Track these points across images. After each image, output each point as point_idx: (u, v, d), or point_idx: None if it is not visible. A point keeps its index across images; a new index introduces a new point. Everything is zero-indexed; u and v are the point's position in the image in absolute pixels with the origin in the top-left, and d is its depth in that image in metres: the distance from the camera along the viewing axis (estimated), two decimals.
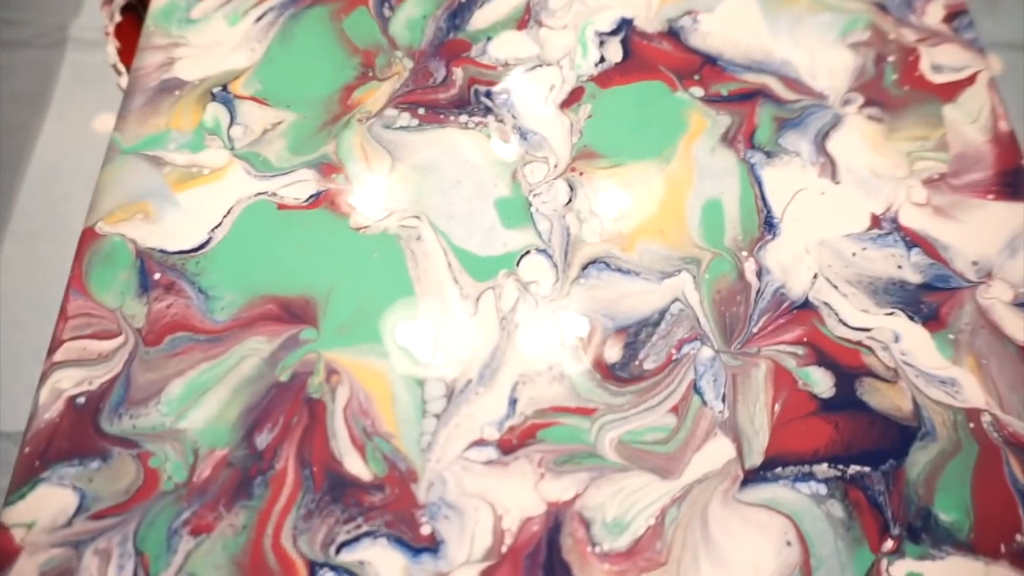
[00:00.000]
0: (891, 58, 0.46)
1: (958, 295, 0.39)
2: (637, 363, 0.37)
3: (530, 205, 0.41)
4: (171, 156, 0.42)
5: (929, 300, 0.39)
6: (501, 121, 0.44)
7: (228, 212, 0.41)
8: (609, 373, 0.37)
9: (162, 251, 0.40)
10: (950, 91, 0.45)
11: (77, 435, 0.35)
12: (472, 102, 0.44)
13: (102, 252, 0.40)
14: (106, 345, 0.37)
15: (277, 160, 0.42)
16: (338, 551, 0.34)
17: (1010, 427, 0.36)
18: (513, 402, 0.37)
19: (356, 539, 0.34)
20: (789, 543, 0.34)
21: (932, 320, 0.39)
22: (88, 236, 0.40)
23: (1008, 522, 0.34)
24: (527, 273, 0.39)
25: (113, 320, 0.38)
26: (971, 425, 0.36)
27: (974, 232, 0.41)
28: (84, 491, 0.34)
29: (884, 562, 0.34)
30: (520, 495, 0.35)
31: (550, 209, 0.41)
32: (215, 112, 0.44)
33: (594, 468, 0.35)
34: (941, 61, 0.46)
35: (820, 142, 0.43)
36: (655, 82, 0.45)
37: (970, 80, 0.45)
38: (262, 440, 0.36)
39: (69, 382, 0.36)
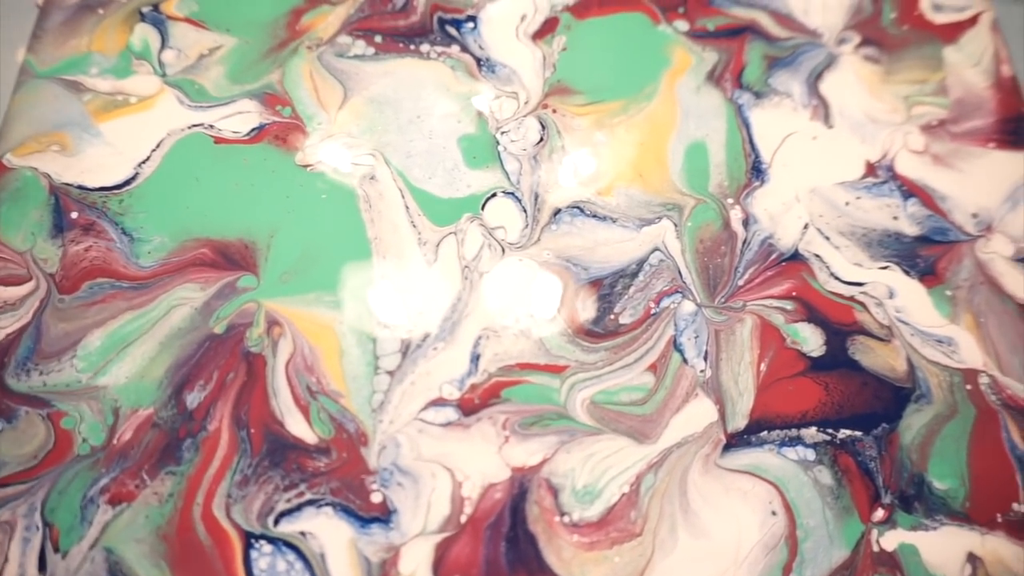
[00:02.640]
0: None
1: (956, 249, 0.36)
2: (612, 317, 0.34)
3: (497, 144, 0.37)
4: (93, 82, 0.37)
5: (926, 254, 0.36)
6: (466, 52, 0.39)
7: (158, 145, 0.36)
8: (581, 328, 0.34)
9: (80, 187, 0.35)
10: (951, 32, 0.42)
11: None
12: (435, 30, 0.40)
13: (10, 187, 0.35)
14: (13, 292, 0.33)
15: (215, 89, 0.38)
16: (277, 521, 0.30)
17: (1009, 389, 0.34)
18: (475, 358, 0.33)
19: (298, 508, 0.30)
20: (774, 512, 0.31)
21: (929, 275, 0.36)
22: None
23: (1005, 490, 0.32)
24: (493, 218, 0.36)
25: (22, 263, 0.33)
26: (968, 387, 0.34)
27: (974, 182, 0.38)
28: None
29: (875, 532, 0.31)
30: (482, 460, 0.31)
31: (519, 148, 0.37)
32: (144, 34, 0.39)
33: (564, 431, 0.32)
34: (942, 0, 0.42)
35: (813, 83, 0.40)
36: (636, 14, 0.41)
37: (972, 21, 0.42)
38: (193, 399, 0.32)
39: None
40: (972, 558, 0.31)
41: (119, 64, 0.38)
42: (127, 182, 0.36)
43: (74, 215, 0.35)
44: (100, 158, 0.36)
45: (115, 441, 0.31)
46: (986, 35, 0.42)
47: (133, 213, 0.35)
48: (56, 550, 0.29)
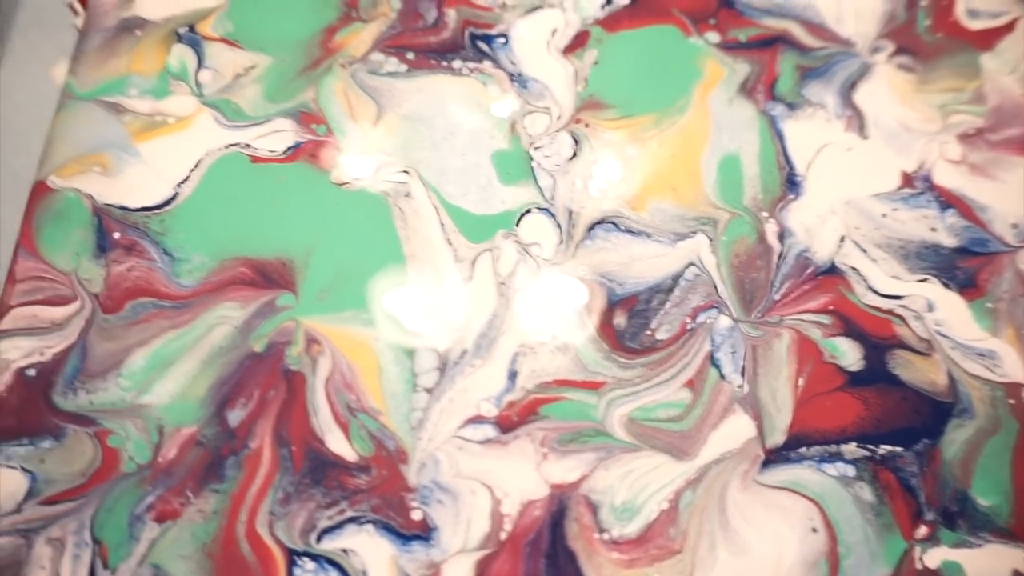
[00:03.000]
0: (924, 2, 0.42)
1: (996, 260, 0.36)
2: (649, 333, 0.34)
3: (531, 159, 0.38)
4: (132, 103, 0.38)
5: (965, 265, 0.36)
6: (498, 67, 0.40)
7: (196, 165, 0.37)
8: (618, 344, 0.34)
9: (122, 208, 0.36)
10: (987, 39, 0.41)
11: (27, 411, 0.32)
12: (466, 46, 0.40)
13: (55, 208, 0.36)
14: (59, 312, 0.34)
15: (251, 108, 0.38)
16: (319, 538, 0.31)
17: None
18: (513, 375, 0.33)
19: (339, 525, 0.31)
20: (814, 529, 0.31)
21: (968, 287, 0.35)
22: (39, 191, 0.36)
23: None
24: (528, 234, 0.36)
25: (67, 284, 0.34)
26: (1011, 401, 0.33)
27: (1013, 192, 0.37)
28: (35, 473, 0.31)
29: (917, 550, 0.31)
30: (521, 477, 0.32)
31: (553, 164, 0.37)
32: (181, 55, 0.39)
33: (602, 447, 0.32)
34: (978, 6, 0.42)
35: (847, 93, 0.39)
36: (667, 26, 0.41)
37: (1009, 27, 0.41)
38: (235, 416, 0.32)
39: (18, 352, 0.33)
40: None
41: (157, 85, 0.39)
42: (167, 202, 0.36)
43: (116, 235, 0.35)
44: (140, 178, 0.37)
45: (160, 459, 0.31)
46: (1023, 41, 0.41)
47: (173, 233, 0.35)
48: (105, 567, 0.30)
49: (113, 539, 0.30)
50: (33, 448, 0.31)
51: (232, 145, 0.37)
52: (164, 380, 0.33)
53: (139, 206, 0.36)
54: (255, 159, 0.37)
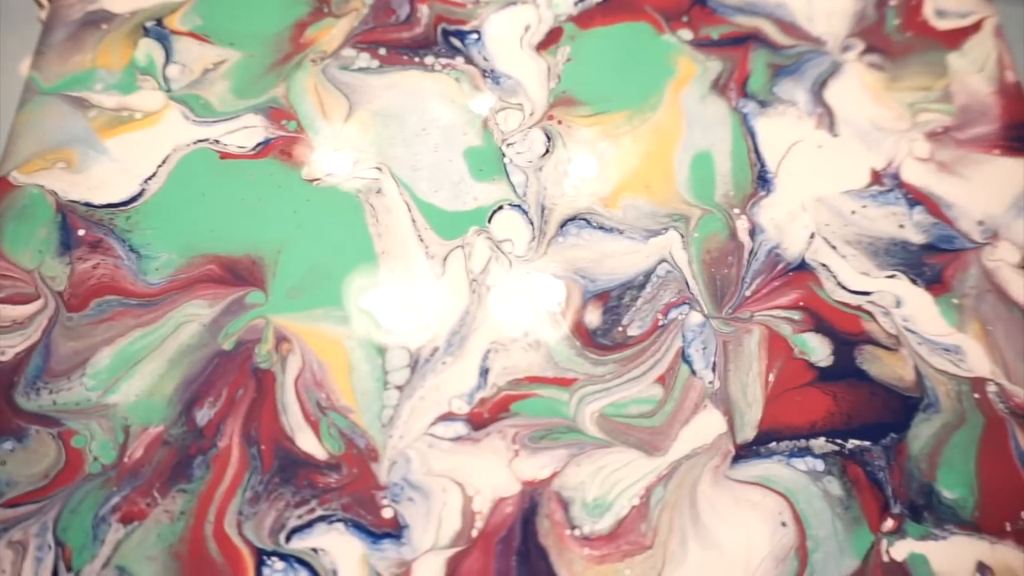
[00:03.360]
0: (893, 1, 0.42)
1: (963, 257, 0.36)
2: (620, 329, 0.34)
3: (503, 156, 0.37)
4: (98, 98, 0.37)
5: (932, 262, 0.36)
6: (471, 64, 0.39)
7: (164, 161, 0.36)
8: (590, 340, 0.34)
9: (87, 204, 0.35)
10: (955, 38, 0.42)
11: None
12: (439, 42, 0.40)
13: (17, 205, 0.35)
14: (22, 310, 0.33)
15: (220, 104, 0.38)
16: (289, 538, 0.30)
17: (1017, 397, 0.34)
18: (484, 372, 0.33)
19: (309, 524, 0.30)
20: (784, 523, 0.31)
21: (935, 283, 0.36)
22: (1, 187, 0.35)
23: (1014, 499, 0.32)
24: (500, 230, 0.36)
25: (30, 282, 0.34)
26: (976, 395, 0.34)
27: (980, 189, 0.38)
28: None
29: (884, 543, 0.31)
30: (492, 474, 0.31)
31: (525, 160, 0.37)
32: (148, 49, 0.39)
33: (573, 444, 0.32)
34: (945, 6, 0.42)
35: (817, 91, 0.40)
36: (640, 23, 0.41)
37: (976, 27, 0.42)
38: (203, 416, 0.32)
39: None
40: (982, 567, 0.31)
41: (124, 80, 0.38)
42: (134, 198, 0.36)
43: (81, 232, 0.35)
44: (106, 175, 0.36)
45: (126, 459, 0.31)
46: (989, 40, 0.42)
47: (140, 230, 0.35)
48: (69, 569, 0.29)
49: (77, 541, 0.30)
50: None
51: (201, 141, 0.37)
52: (130, 379, 0.32)
53: (105, 203, 0.35)
54: (224, 155, 0.37)
